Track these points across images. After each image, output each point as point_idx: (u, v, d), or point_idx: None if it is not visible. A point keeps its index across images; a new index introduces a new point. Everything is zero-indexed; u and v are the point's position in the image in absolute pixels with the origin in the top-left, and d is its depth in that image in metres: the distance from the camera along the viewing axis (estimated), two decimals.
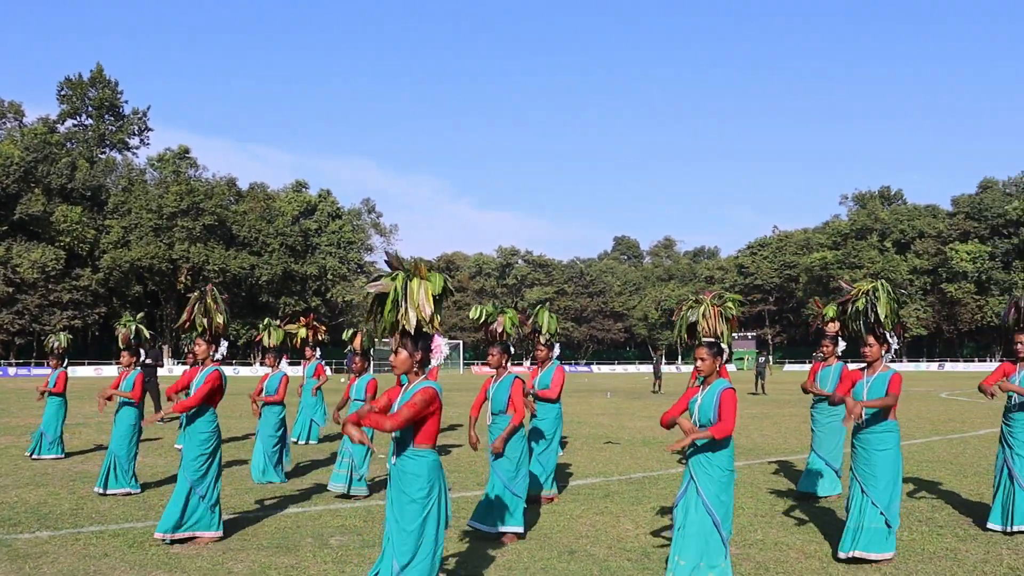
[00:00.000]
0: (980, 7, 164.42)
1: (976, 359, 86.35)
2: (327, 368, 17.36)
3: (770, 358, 49.24)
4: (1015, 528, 8.27)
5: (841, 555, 7.24)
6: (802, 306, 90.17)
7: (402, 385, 5.50)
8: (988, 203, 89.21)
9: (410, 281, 5.46)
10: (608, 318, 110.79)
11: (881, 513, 7.12)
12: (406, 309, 5.38)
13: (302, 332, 15.13)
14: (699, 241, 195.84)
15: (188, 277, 74.47)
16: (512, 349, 8.65)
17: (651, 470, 12.82)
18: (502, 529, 8.04)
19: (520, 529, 8.09)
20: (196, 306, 8.65)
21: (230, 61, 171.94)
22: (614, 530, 8.67)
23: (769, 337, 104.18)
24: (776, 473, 12.53)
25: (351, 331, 12.51)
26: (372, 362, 11.53)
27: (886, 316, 7.46)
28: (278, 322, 14.58)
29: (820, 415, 10.36)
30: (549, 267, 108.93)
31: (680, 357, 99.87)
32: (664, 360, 54.37)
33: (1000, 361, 8.88)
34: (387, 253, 5.73)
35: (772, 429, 19.42)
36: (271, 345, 13.32)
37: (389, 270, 5.62)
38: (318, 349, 16.32)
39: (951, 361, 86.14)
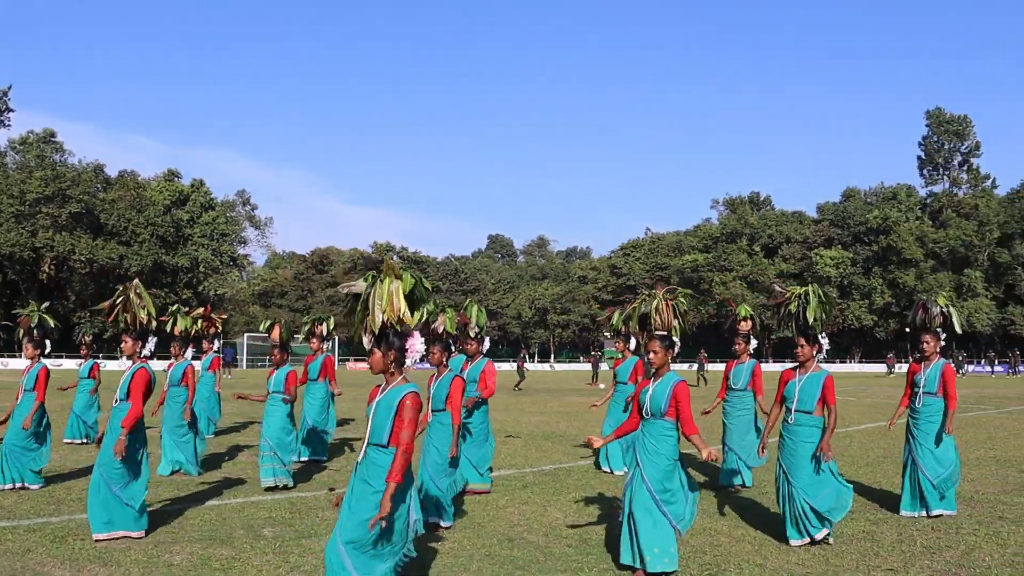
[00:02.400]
0: (843, 25, 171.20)
1: (837, 360, 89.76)
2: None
3: (601, 355, 49.83)
4: (932, 513, 8.80)
5: (792, 543, 7.59)
6: None
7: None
8: (851, 211, 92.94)
9: (380, 281, 5.46)
10: None
11: (804, 498, 7.49)
12: (373, 309, 5.37)
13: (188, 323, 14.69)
14: (572, 241, 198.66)
15: (52, 267, 71.41)
16: (452, 347, 8.73)
17: (559, 462, 13.05)
18: (435, 520, 8.16)
19: (447, 524, 8.24)
20: (120, 301, 8.41)
21: (98, 46, 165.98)
22: (544, 518, 8.83)
23: (639, 337, 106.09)
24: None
25: (269, 323, 12.29)
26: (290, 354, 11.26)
27: (815, 319, 7.80)
28: (186, 309, 14.20)
29: (732, 408, 10.73)
30: (424, 263, 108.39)
31: (553, 355, 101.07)
32: (533, 359, 54.95)
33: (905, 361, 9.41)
34: (360, 256, 5.71)
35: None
36: (177, 333, 12.97)
37: (367, 270, 5.62)
38: (216, 342, 15.97)
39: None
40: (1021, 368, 61.56)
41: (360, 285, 5.51)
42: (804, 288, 7.95)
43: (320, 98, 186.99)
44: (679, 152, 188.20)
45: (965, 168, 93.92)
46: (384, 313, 5.36)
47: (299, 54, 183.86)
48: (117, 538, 7.72)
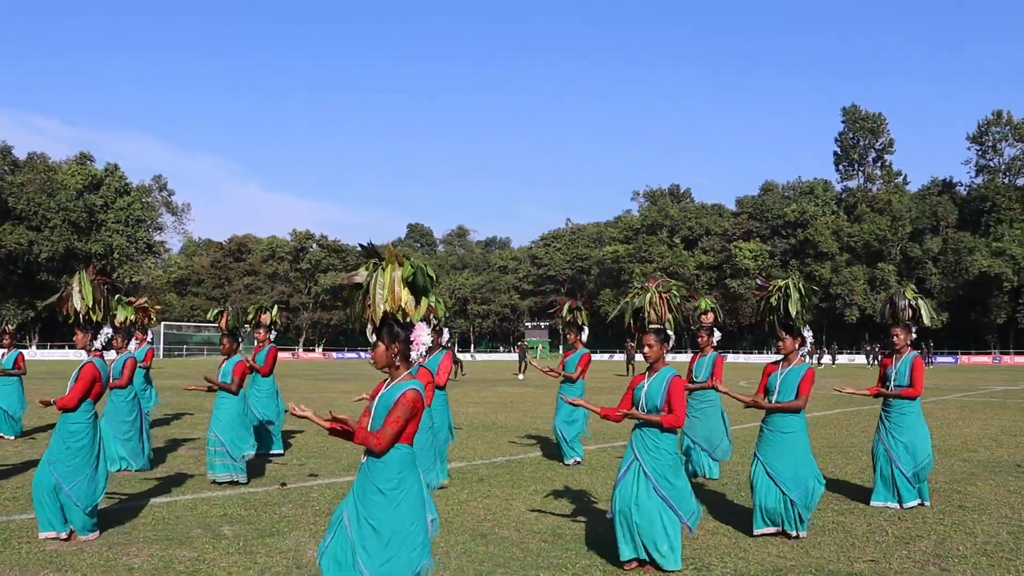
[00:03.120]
0: (763, 21, 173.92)
1: (755, 351, 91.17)
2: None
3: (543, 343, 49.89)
4: (906, 505, 8.82)
5: (755, 532, 7.53)
6: (593, 297, 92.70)
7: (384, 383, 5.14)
8: (769, 204, 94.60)
9: (381, 269, 5.13)
10: None
11: (784, 493, 7.40)
12: (374, 299, 5.06)
13: (129, 313, 14.10)
14: (492, 231, 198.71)
15: None
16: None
17: (509, 454, 12.87)
18: None
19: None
20: (70, 290, 7.93)
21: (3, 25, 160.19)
22: (511, 513, 8.63)
23: (560, 327, 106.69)
24: None
25: (217, 311, 11.79)
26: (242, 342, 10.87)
27: (797, 312, 7.71)
28: (131, 298, 13.62)
29: (694, 401, 10.65)
30: (344, 252, 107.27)
31: (473, 345, 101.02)
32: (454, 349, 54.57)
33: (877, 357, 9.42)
34: (360, 245, 5.36)
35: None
36: (118, 324, 12.42)
37: (366, 259, 5.27)
38: (149, 332, 15.39)
39: (732, 353, 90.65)
40: (933, 359, 63.23)
41: (361, 275, 5.17)
42: (784, 281, 7.85)
43: (237, 83, 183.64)
44: (600, 144, 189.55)
45: (879, 164, 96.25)
46: (386, 303, 5.04)
47: (213, 37, 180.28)
48: (64, 539, 7.31)
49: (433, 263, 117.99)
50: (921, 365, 9.07)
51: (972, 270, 78.00)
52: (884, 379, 9.20)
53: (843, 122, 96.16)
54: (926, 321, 9.18)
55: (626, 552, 6.45)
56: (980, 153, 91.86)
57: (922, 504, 8.92)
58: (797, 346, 7.77)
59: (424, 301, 5.19)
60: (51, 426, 14.85)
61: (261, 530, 7.74)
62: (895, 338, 9.10)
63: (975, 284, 78.62)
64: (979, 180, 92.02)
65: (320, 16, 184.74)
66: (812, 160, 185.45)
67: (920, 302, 9.18)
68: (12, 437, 13.84)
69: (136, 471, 10.82)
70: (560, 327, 11.60)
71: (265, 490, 9.71)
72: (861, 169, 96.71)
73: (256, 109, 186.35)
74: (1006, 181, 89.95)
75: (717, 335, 10.82)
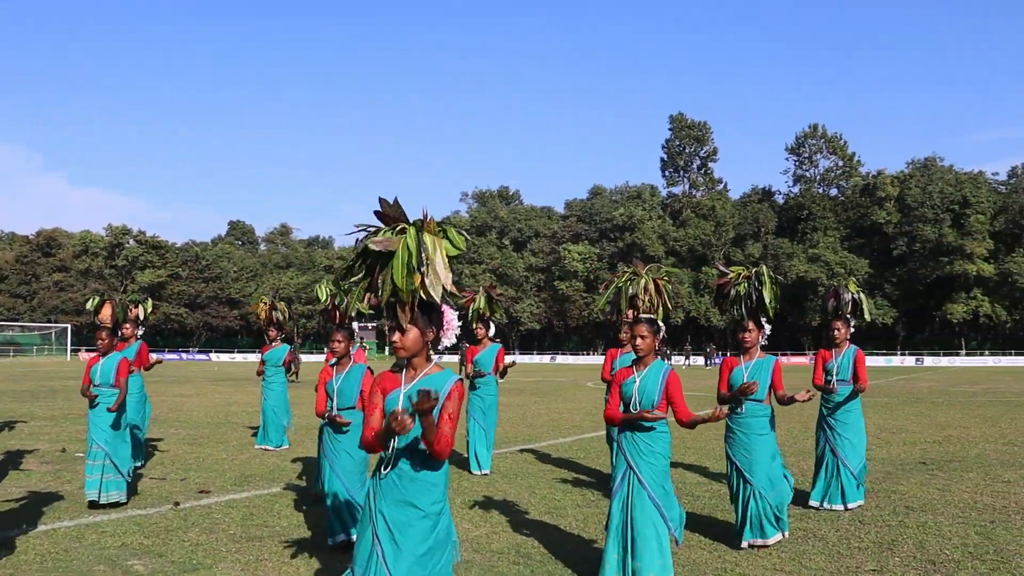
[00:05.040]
0: (595, 27, 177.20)
1: (581, 352, 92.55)
2: None
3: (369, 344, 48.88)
4: (851, 505, 8.52)
5: (744, 544, 7.02)
6: None
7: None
8: (597, 208, 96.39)
9: (423, 237, 4.08)
10: (224, 305, 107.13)
11: (763, 496, 6.97)
12: (430, 274, 4.02)
13: None
14: (315, 230, 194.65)
15: None
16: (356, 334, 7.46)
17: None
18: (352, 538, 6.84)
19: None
20: None
21: None
22: (457, 530, 7.69)
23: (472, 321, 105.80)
24: (565, 460, 12.13)
25: (97, 300, 10.39)
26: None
27: (770, 301, 7.22)
28: None
29: None
30: (163, 249, 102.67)
31: (299, 345, 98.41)
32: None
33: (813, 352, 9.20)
34: (382, 200, 4.24)
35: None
36: None
37: (383, 223, 4.18)
38: None
39: (561, 354, 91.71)
40: (716, 360, 64.97)
41: (391, 240, 4.06)
42: (755, 268, 7.32)
43: (38, 69, 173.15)
44: (428, 144, 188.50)
45: (703, 171, 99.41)
46: (437, 279, 4.02)
47: (14, 19, 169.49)
48: None
49: (256, 261, 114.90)
50: (863, 358, 8.90)
51: (790, 275, 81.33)
52: (825, 373, 8.88)
53: (670, 129, 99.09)
54: (867, 316, 8.98)
55: (612, 572, 5.71)
56: (797, 164, 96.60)
57: (860, 504, 8.63)
58: (759, 338, 7.30)
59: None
60: None
61: (178, 563, 6.51)
62: (836, 332, 8.91)
63: (792, 288, 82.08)
64: (796, 189, 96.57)
65: (135, 8, 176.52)
66: (640, 166, 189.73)
67: (863, 296, 8.94)
68: None
69: None
70: (472, 320, 10.87)
71: (157, 512, 8.39)
72: (686, 175, 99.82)
73: (62, 99, 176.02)
74: (821, 191, 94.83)
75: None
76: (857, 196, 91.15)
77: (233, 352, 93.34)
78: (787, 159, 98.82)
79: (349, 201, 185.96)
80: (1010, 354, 79.77)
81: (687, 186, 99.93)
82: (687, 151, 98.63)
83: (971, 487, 9.92)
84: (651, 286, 5.69)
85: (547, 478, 10.69)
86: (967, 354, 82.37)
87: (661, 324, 5.97)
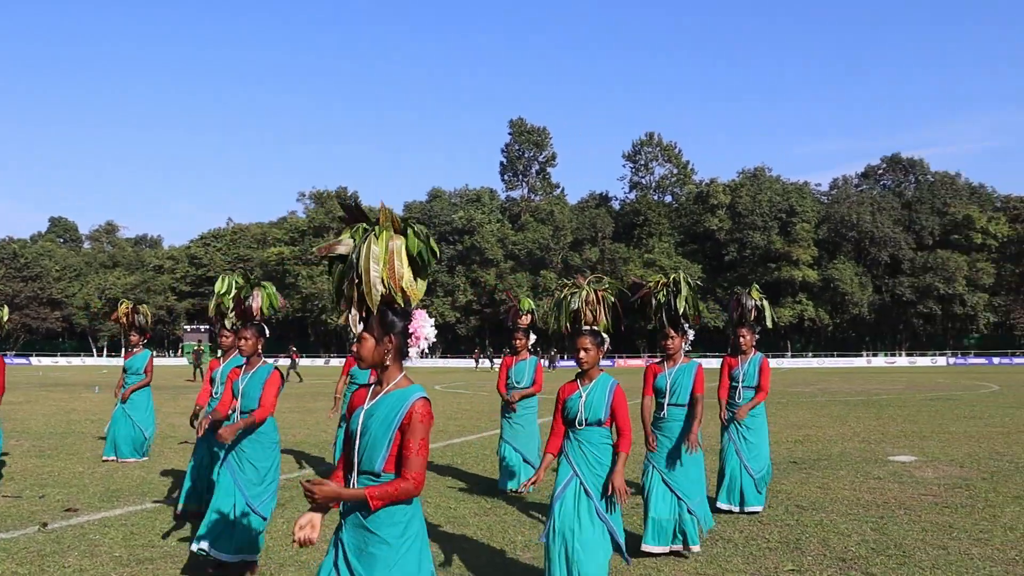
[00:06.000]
0: (438, 31, 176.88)
1: (427, 356, 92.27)
2: None
3: (205, 347, 47.52)
4: (748, 508, 8.66)
5: (645, 548, 7.03)
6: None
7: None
8: (437, 211, 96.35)
9: (375, 237, 3.87)
10: (44, 305, 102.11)
11: (682, 500, 7.04)
12: (368, 276, 3.80)
13: None
14: (144, 228, 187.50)
15: None
16: (267, 332, 7.11)
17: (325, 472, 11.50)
18: (246, 558, 6.40)
19: (256, 557, 6.53)
20: None
21: None
22: (449, 551, 7.35)
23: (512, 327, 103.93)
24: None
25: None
26: None
27: (685, 308, 7.37)
28: None
29: (519, 407, 10.07)
30: None
31: (124, 349, 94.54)
32: (102, 353, 50.46)
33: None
34: (342, 204, 4.00)
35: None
36: None
37: (345, 225, 3.97)
38: None
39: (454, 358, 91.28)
40: (557, 364, 66.04)
41: (346, 243, 3.86)
42: (673, 276, 7.46)
43: None
44: (264, 143, 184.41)
45: (541, 176, 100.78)
46: (384, 282, 3.86)
47: None
48: None
49: (79, 260, 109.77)
50: (768, 367, 9.05)
51: (626, 279, 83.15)
52: (731, 380, 9.05)
53: (510, 134, 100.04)
54: (768, 323, 9.18)
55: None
56: (634, 170, 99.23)
57: (760, 509, 8.76)
58: (682, 344, 7.44)
59: (422, 283, 3.97)
60: None
61: None
62: (742, 339, 9.03)
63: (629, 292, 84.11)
64: (632, 196, 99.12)
65: None
66: (479, 169, 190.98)
67: (765, 303, 9.18)
68: None
69: None
70: (511, 327, 10.46)
71: (23, 535, 7.67)
72: (525, 180, 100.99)
73: None
74: (656, 197, 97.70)
75: (533, 337, 10.35)
76: (691, 203, 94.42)
77: (56, 356, 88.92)
78: (624, 166, 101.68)
79: (180, 199, 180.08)
80: (832, 355, 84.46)
81: (526, 190, 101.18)
82: (526, 156, 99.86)
83: (848, 485, 10.36)
84: (593, 297, 5.69)
85: (438, 486, 10.51)
86: (792, 356, 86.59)
87: (605, 336, 5.98)
